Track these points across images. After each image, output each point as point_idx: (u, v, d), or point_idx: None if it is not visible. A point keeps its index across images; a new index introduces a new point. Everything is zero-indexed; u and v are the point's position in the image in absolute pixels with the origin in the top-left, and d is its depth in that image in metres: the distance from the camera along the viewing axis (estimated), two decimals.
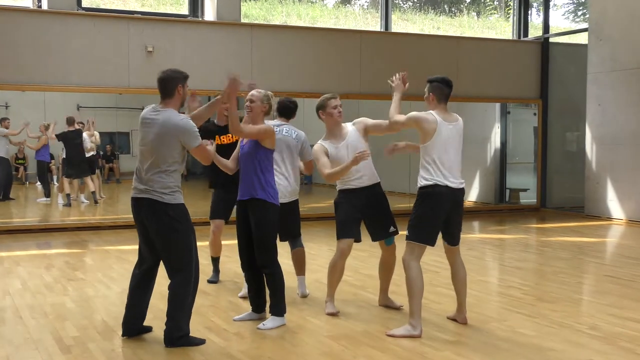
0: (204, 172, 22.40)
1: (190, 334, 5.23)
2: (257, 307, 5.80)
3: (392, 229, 6.06)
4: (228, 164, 5.88)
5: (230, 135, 7.05)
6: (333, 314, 5.97)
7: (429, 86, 5.52)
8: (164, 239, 5.00)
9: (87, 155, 14.47)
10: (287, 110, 6.55)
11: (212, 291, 6.96)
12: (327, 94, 6.11)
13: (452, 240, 5.63)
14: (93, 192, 14.27)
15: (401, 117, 5.58)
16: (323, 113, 6.03)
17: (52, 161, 16.57)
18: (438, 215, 5.42)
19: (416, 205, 5.46)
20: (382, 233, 6.07)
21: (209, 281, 7.30)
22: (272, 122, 6.37)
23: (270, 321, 5.59)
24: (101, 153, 17.55)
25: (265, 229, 5.50)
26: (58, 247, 10.11)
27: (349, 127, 6.07)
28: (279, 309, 5.62)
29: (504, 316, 6.05)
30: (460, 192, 5.49)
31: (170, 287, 5.04)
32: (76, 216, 13.50)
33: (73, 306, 6.39)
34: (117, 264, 8.48)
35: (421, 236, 5.40)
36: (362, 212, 5.97)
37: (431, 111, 5.43)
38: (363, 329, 5.60)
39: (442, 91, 5.47)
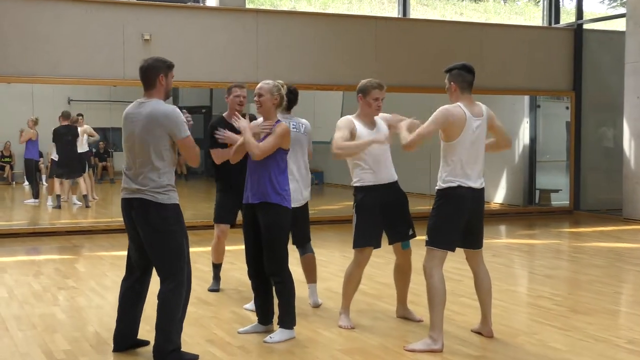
0: (205, 170, 22.51)
1: (191, 348, 5.24)
2: (264, 319, 5.80)
3: (411, 231, 6.05)
4: (228, 155, 5.97)
5: None
6: (347, 328, 5.96)
7: (448, 76, 5.48)
8: (155, 242, 4.99)
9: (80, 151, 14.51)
10: (287, 102, 6.44)
11: (214, 301, 6.97)
12: (373, 80, 5.96)
13: (475, 243, 5.61)
14: (85, 195, 14.31)
15: (423, 131, 5.33)
16: (362, 99, 5.91)
17: (41, 159, 16.63)
18: (460, 219, 5.40)
19: (436, 207, 5.44)
20: (401, 235, 6.04)
21: (210, 290, 7.32)
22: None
23: (278, 334, 5.59)
24: (94, 150, 17.60)
25: (276, 234, 5.50)
26: (47, 252, 10.15)
27: (378, 120, 5.99)
28: (288, 321, 5.62)
29: (534, 329, 6.03)
30: (482, 192, 5.50)
31: (159, 296, 5.03)
32: (67, 219, 13.55)
33: (64, 317, 6.41)
34: (111, 272, 8.50)
35: (442, 241, 5.39)
36: (383, 212, 5.92)
37: (459, 103, 5.38)
38: (379, 343, 5.59)
39: (464, 78, 5.41)
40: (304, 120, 6.62)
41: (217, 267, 7.43)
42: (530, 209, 14.94)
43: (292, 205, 6.04)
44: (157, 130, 4.91)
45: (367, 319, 6.28)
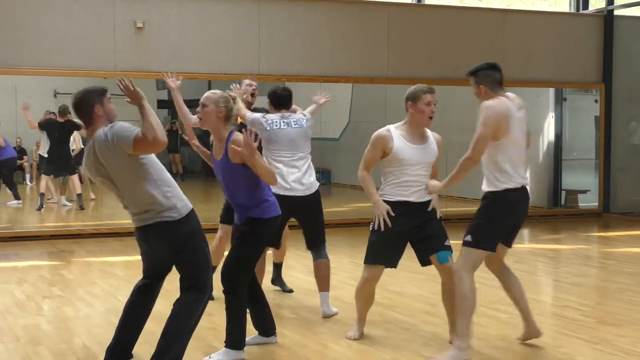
0: (204, 169, 22.52)
1: None
2: (264, 330, 5.80)
3: (448, 241, 5.75)
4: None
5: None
6: (351, 338, 5.96)
7: (474, 79, 5.41)
8: (183, 259, 4.97)
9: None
10: (286, 100, 6.87)
11: (212, 310, 6.94)
12: (422, 85, 5.70)
13: (509, 241, 5.65)
14: (79, 195, 14.30)
15: (479, 135, 5.22)
16: (413, 106, 5.62)
17: (25, 157, 16.68)
18: (510, 221, 5.44)
19: (486, 208, 5.37)
20: (434, 247, 5.71)
21: None
22: (272, 116, 6.72)
23: (221, 354, 5.47)
24: (82, 147, 17.67)
25: (246, 239, 5.45)
26: (31, 258, 10.16)
27: (429, 134, 5.79)
28: (233, 340, 5.48)
29: (560, 342, 6.01)
30: (527, 191, 5.52)
31: (177, 302, 5.00)
32: (53, 222, 13.57)
33: (49, 328, 6.42)
34: (100, 279, 8.52)
35: (485, 242, 5.34)
36: (412, 234, 5.73)
37: (501, 97, 5.31)
38: (392, 357, 5.58)
39: (494, 78, 5.38)
40: (304, 112, 6.95)
41: (213, 270, 7.45)
42: (556, 212, 14.90)
43: (297, 194, 6.47)
44: (116, 156, 4.76)
45: (379, 330, 6.28)
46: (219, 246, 7.28)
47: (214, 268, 7.37)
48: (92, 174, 4.98)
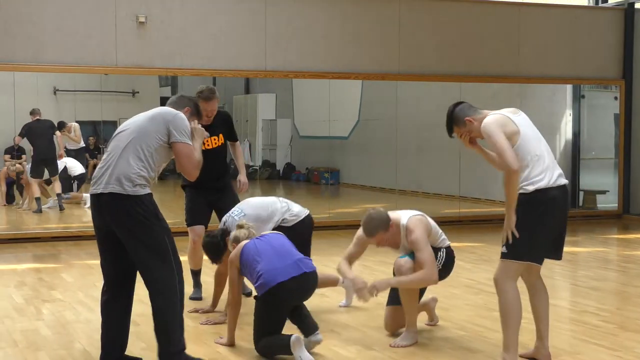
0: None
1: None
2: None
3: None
4: None
5: (216, 137, 7.37)
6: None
7: None
8: (136, 243, 5.00)
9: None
10: None
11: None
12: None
13: (558, 253, 5.69)
14: (59, 195, 14.36)
15: None
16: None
17: (23, 157, 16.71)
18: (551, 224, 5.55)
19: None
20: None
21: (192, 298, 7.48)
22: None
23: None
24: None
25: None
26: (30, 261, 10.19)
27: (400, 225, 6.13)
28: None
29: (578, 348, 6.00)
30: None
31: (154, 314, 5.02)
32: (53, 224, 13.59)
33: (48, 333, 6.44)
34: (101, 282, 8.47)
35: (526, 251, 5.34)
36: None
37: None
38: None
39: None
40: None
41: (196, 274, 7.69)
42: (573, 213, 14.82)
43: None
44: (159, 120, 5.00)
45: (382, 335, 6.28)
46: (195, 250, 7.42)
47: (199, 271, 7.60)
48: (124, 125, 5.19)
